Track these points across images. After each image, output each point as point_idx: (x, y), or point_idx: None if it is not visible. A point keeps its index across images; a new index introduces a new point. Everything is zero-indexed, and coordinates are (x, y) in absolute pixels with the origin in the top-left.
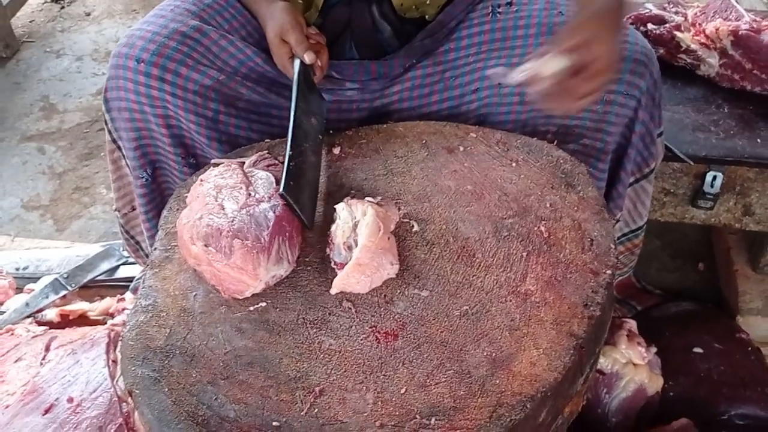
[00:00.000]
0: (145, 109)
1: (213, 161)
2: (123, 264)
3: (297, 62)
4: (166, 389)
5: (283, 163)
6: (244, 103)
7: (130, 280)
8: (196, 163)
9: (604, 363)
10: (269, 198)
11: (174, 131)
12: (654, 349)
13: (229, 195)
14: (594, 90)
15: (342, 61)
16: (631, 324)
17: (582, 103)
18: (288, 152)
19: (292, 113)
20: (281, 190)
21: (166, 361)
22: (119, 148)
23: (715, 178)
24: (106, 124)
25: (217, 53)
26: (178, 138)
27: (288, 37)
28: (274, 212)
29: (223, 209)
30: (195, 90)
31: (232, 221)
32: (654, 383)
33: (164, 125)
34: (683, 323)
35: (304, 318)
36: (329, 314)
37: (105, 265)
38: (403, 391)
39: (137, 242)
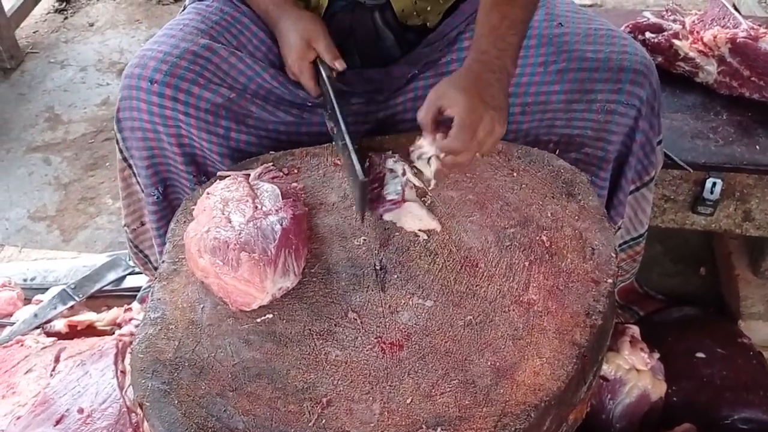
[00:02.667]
0: (158, 129)
1: (219, 173)
2: (129, 274)
3: (323, 68)
4: (176, 401)
5: (346, 154)
6: (253, 120)
7: (136, 290)
8: (207, 181)
9: (607, 369)
10: (276, 211)
11: (186, 149)
12: (657, 355)
13: (236, 208)
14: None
15: (347, 72)
16: (634, 330)
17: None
18: (351, 145)
19: (339, 111)
20: (362, 177)
21: (176, 374)
22: (130, 166)
23: (714, 184)
24: (118, 143)
25: (227, 70)
26: (191, 156)
27: (317, 43)
28: (281, 225)
29: (230, 222)
30: (207, 108)
31: (239, 234)
32: (657, 389)
33: (177, 144)
34: (685, 328)
35: (310, 329)
36: (335, 325)
37: (112, 275)
38: (409, 401)
39: (146, 256)
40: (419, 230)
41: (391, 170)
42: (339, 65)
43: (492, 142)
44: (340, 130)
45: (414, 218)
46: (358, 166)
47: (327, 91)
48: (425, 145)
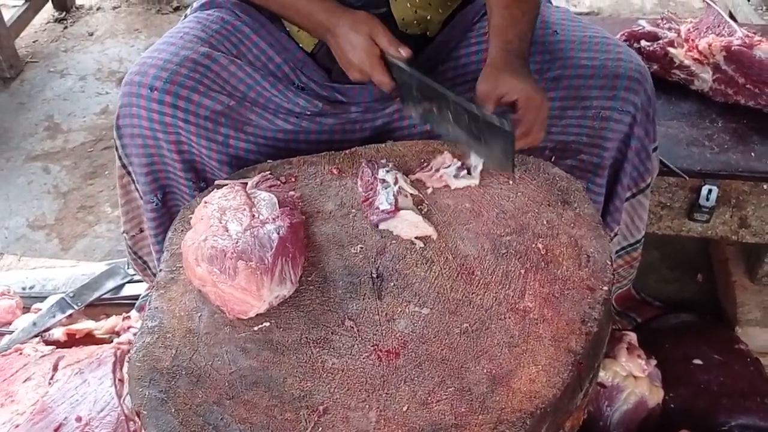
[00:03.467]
0: (158, 136)
1: (216, 182)
2: (128, 282)
3: (392, 59)
4: (173, 410)
5: (470, 119)
6: (252, 128)
7: (135, 298)
8: (206, 187)
9: (604, 376)
10: (273, 219)
11: (185, 156)
12: (654, 362)
13: (233, 217)
14: (534, 119)
15: (347, 86)
16: (631, 337)
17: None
18: (468, 106)
19: (437, 86)
20: (508, 127)
21: (173, 382)
22: (129, 173)
23: (710, 191)
24: (117, 150)
25: (227, 78)
26: (190, 163)
27: (378, 38)
28: (278, 233)
29: (228, 231)
30: (206, 116)
31: (237, 243)
32: (654, 395)
33: (176, 151)
34: (682, 335)
35: (307, 337)
36: (332, 333)
37: (110, 284)
38: (405, 408)
39: (145, 262)
40: (416, 238)
41: (383, 180)
42: (405, 52)
43: (546, 119)
44: (446, 101)
45: (410, 226)
46: (497, 120)
47: (411, 76)
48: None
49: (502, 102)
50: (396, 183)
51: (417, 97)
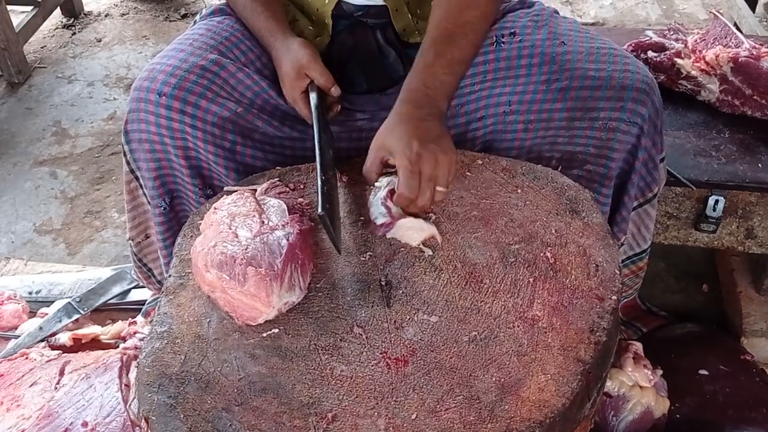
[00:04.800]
0: (165, 141)
1: (226, 189)
2: (134, 287)
3: (313, 95)
4: (182, 416)
5: (315, 185)
6: (259, 135)
7: (141, 303)
8: (213, 194)
9: (611, 386)
10: (282, 226)
11: (193, 162)
12: (660, 372)
13: (243, 223)
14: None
15: (353, 95)
16: (637, 346)
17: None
18: (320, 176)
19: (317, 142)
20: (320, 210)
21: (182, 388)
22: (137, 178)
23: (717, 202)
24: (125, 155)
25: (235, 85)
26: (197, 169)
27: (310, 71)
28: (288, 240)
29: (237, 237)
30: (214, 122)
31: (246, 249)
32: (660, 405)
33: (183, 156)
34: (688, 345)
35: (315, 344)
36: (340, 340)
37: (116, 289)
38: (413, 416)
39: (149, 269)
40: (423, 244)
41: (376, 188)
42: (335, 92)
43: (444, 172)
44: (315, 157)
45: (412, 231)
46: (319, 199)
47: (314, 118)
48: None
49: (387, 165)
50: (387, 186)
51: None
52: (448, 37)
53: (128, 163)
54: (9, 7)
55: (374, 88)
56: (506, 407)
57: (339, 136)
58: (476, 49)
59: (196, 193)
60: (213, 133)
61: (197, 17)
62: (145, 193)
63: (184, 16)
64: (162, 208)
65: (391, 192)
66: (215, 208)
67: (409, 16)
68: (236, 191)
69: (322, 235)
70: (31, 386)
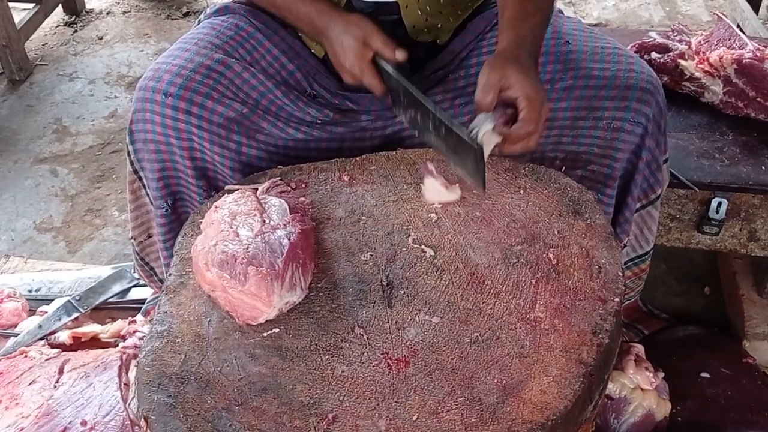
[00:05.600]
0: (170, 141)
1: (227, 187)
2: (134, 286)
3: (385, 63)
4: (182, 415)
5: (445, 132)
6: (264, 136)
7: (141, 302)
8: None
9: (612, 388)
10: (284, 225)
11: (198, 163)
12: (661, 374)
13: (244, 222)
14: (535, 123)
15: (359, 94)
16: (639, 349)
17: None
18: (445, 120)
19: (420, 96)
20: (476, 145)
21: (182, 387)
22: (141, 178)
23: (720, 204)
24: (129, 155)
25: (240, 85)
26: (202, 170)
27: (373, 41)
28: (289, 239)
29: (238, 236)
30: (219, 122)
31: (247, 248)
32: (662, 408)
33: (188, 157)
34: (690, 348)
35: (316, 344)
36: (341, 341)
37: (116, 287)
38: (414, 418)
39: (152, 268)
40: (439, 205)
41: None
42: (400, 56)
43: (546, 117)
44: (426, 111)
45: (436, 193)
46: (466, 136)
47: (397, 82)
48: (484, 122)
49: (503, 96)
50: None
51: (404, 103)
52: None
53: (132, 163)
54: (11, 5)
55: None
56: (508, 409)
57: (343, 136)
58: (553, 7)
59: (200, 194)
60: (219, 133)
61: (201, 16)
62: (147, 194)
63: (186, 14)
64: (164, 210)
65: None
66: (216, 207)
67: (419, 12)
68: (237, 190)
69: (323, 234)
70: (30, 384)
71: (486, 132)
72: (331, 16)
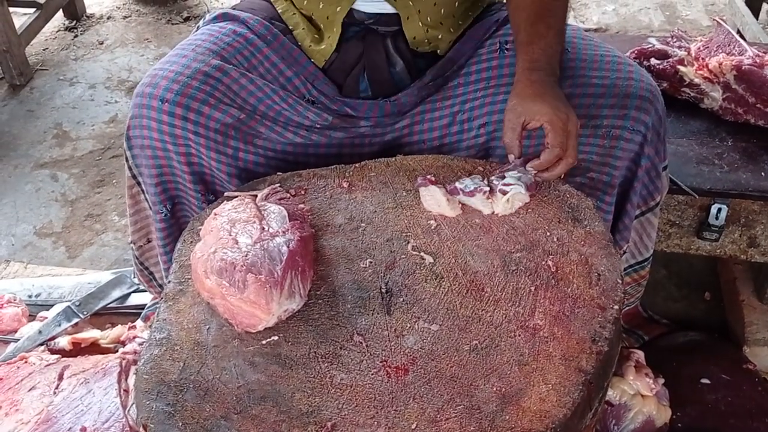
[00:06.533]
0: (167, 147)
1: (226, 194)
2: (134, 291)
3: None
4: (180, 424)
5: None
6: (262, 141)
7: (141, 307)
8: (215, 200)
9: (612, 394)
10: (283, 232)
11: (195, 168)
12: (662, 380)
13: (243, 229)
14: (563, 143)
15: (358, 100)
16: (639, 355)
17: (570, 156)
18: None
19: None
20: None
21: (180, 395)
22: (139, 183)
23: (719, 210)
24: (127, 160)
25: (238, 91)
26: (199, 175)
27: None
28: (288, 246)
29: (237, 243)
30: (216, 128)
31: (246, 255)
32: (662, 414)
33: (186, 162)
34: (690, 354)
35: (315, 352)
36: (340, 348)
37: (116, 293)
38: (413, 426)
39: (151, 273)
40: (435, 215)
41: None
42: None
43: (579, 133)
44: None
45: (434, 201)
46: None
47: None
48: (513, 177)
49: (528, 128)
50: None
51: None
52: (549, 11)
53: (130, 168)
54: (11, 9)
55: (379, 95)
56: (507, 417)
57: (342, 141)
58: (566, 23)
59: (198, 199)
60: (215, 139)
61: (200, 22)
62: (146, 199)
63: (186, 19)
64: (163, 214)
65: (525, 161)
66: (215, 214)
67: (420, 24)
68: (237, 197)
69: (323, 241)
70: (29, 391)
71: (516, 193)
72: None
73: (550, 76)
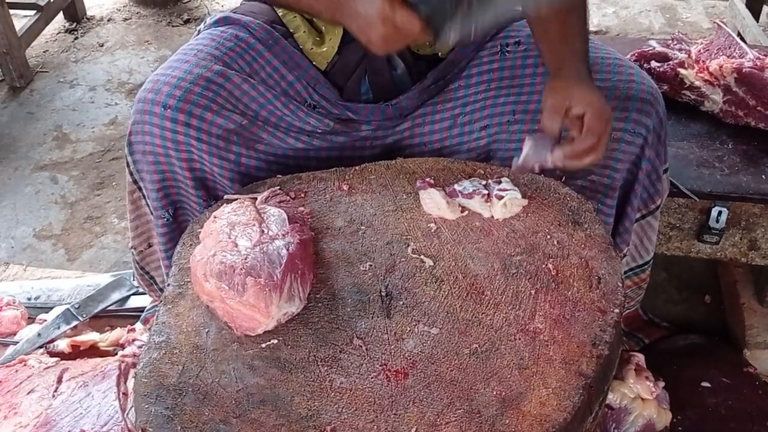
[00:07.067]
0: (169, 153)
1: (226, 197)
2: (133, 294)
3: None
4: (179, 428)
5: None
6: (263, 146)
7: (140, 310)
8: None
9: (612, 398)
10: (282, 235)
11: (197, 174)
12: (662, 384)
13: (242, 232)
14: (601, 134)
15: (359, 104)
16: (639, 358)
17: (601, 150)
18: None
19: None
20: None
21: (179, 399)
22: (140, 188)
23: (720, 213)
24: (128, 165)
25: (240, 97)
26: (201, 181)
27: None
28: (288, 249)
29: (237, 246)
30: (218, 134)
31: (246, 258)
32: (662, 418)
33: (188, 168)
34: (690, 357)
35: (315, 356)
36: (340, 352)
37: (116, 296)
38: (413, 430)
39: (152, 278)
40: (434, 218)
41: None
42: None
43: (610, 134)
44: None
45: (434, 204)
46: None
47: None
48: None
49: (569, 114)
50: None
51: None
52: (574, 10)
53: (131, 173)
54: (12, 11)
55: (380, 98)
56: (507, 421)
57: (343, 145)
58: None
59: (200, 204)
60: (218, 145)
61: (201, 26)
62: (147, 204)
63: (187, 22)
64: (165, 219)
65: (553, 146)
66: (215, 217)
67: None
68: (236, 200)
69: (322, 244)
70: (28, 394)
71: (513, 198)
72: None
73: (588, 69)
